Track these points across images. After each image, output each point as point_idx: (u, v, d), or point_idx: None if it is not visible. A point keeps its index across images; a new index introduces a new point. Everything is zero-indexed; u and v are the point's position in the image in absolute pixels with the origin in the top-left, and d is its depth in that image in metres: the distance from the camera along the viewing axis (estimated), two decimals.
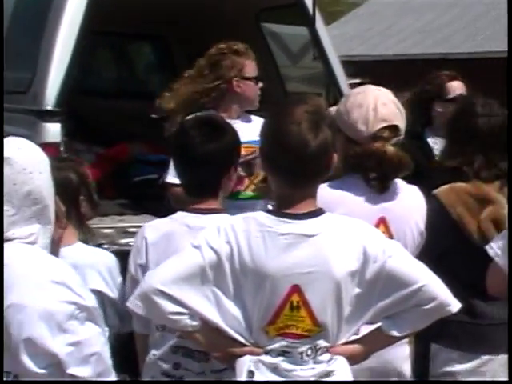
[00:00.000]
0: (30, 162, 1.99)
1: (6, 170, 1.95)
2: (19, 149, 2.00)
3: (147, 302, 2.09)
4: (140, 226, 2.69)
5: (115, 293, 2.64)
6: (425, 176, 3.76)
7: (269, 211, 2.14)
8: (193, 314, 2.09)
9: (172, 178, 3.43)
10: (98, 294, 2.47)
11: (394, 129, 2.56)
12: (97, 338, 1.98)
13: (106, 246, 3.96)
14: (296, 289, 2.07)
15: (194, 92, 3.56)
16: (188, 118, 2.61)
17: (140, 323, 2.50)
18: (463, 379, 2.81)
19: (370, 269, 2.09)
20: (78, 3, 4.16)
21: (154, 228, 2.55)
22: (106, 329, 2.17)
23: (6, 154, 1.96)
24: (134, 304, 2.11)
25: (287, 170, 2.10)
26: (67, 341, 1.91)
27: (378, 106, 2.54)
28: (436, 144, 4.01)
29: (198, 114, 3.33)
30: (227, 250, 2.08)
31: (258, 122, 3.57)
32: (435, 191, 2.86)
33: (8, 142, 2.03)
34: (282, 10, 5.78)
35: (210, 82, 3.58)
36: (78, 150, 4.91)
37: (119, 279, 2.64)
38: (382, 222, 2.53)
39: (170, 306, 2.07)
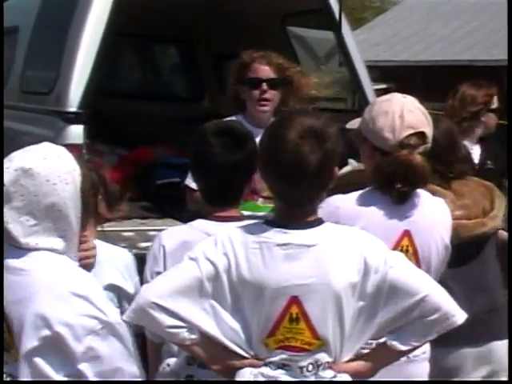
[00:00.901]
0: (54, 173, 1.96)
1: (27, 181, 1.93)
2: (44, 159, 1.98)
3: (144, 316, 2.04)
4: (161, 230, 2.65)
5: (132, 288, 2.59)
6: None
7: (266, 222, 2.10)
8: (191, 326, 2.05)
9: (191, 181, 3.40)
10: (115, 288, 2.42)
11: (421, 136, 2.51)
12: (119, 354, 1.96)
13: None
14: (295, 300, 2.02)
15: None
16: (206, 124, 2.55)
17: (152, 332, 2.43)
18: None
19: (371, 280, 2.04)
20: (103, 4, 4.15)
21: (172, 235, 2.51)
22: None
23: (27, 164, 1.94)
24: (130, 317, 2.06)
25: (282, 188, 2.06)
26: (86, 354, 1.90)
27: (404, 113, 2.49)
28: (472, 150, 3.99)
29: (227, 119, 3.31)
30: (224, 262, 2.03)
31: None
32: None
33: (35, 150, 2.01)
34: (309, 14, 5.74)
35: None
36: (101, 152, 4.90)
37: (136, 277, 2.60)
38: (406, 235, 2.48)
39: (167, 320, 2.02)
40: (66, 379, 1.90)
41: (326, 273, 2.02)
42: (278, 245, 2.02)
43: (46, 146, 2.06)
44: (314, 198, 2.09)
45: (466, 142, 3.97)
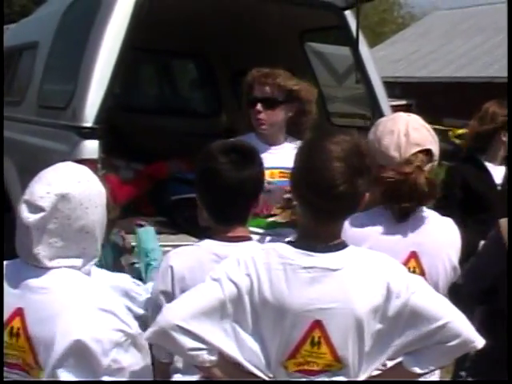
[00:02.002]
0: (87, 197, 1.99)
1: (63, 205, 1.95)
2: (79, 182, 2.00)
3: (166, 338, 2.01)
4: (176, 246, 2.63)
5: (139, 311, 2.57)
6: (489, 205, 3.69)
7: (291, 243, 2.06)
8: (211, 348, 2.02)
9: None
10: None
11: (427, 153, 2.49)
12: (139, 364, 2.00)
13: (137, 266, 3.93)
14: (317, 324, 1.99)
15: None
16: (213, 143, 2.54)
17: (162, 351, 2.36)
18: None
19: (392, 305, 2.01)
20: (121, 20, 4.16)
21: (180, 256, 2.47)
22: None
23: (65, 189, 1.96)
24: (150, 339, 2.03)
25: (314, 206, 2.03)
26: (110, 367, 1.92)
27: (409, 131, 2.48)
28: (495, 171, 3.93)
29: (240, 137, 3.29)
30: (247, 283, 2.00)
31: (288, 146, 3.49)
32: (502, 219, 2.82)
33: (67, 172, 2.03)
34: (327, 31, 5.74)
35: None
36: (117, 167, 4.92)
37: (142, 296, 2.58)
38: (412, 257, 2.45)
39: (188, 342, 2.00)
40: None
41: (350, 297, 2.00)
42: (303, 268, 2.00)
43: (73, 166, 2.09)
44: (343, 215, 2.08)
45: (488, 163, 3.92)
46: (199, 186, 2.52)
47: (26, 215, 1.94)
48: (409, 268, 2.43)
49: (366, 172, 2.03)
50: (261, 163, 2.50)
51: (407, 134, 2.46)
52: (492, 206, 3.64)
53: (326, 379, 2.02)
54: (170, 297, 2.35)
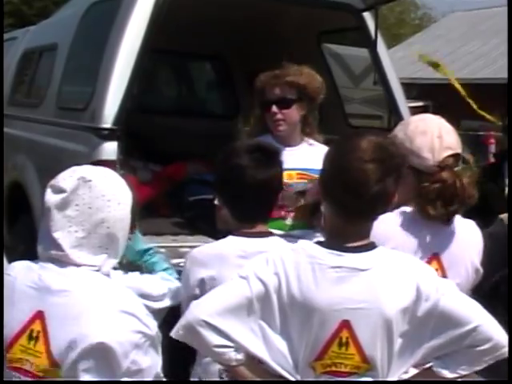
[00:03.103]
0: (110, 190, 2.00)
1: (85, 191, 1.97)
2: (104, 177, 2.03)
3: (192, 333, 2.02)
4: (193, 247, 2.64)
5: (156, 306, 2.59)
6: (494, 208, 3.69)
7: (319, 242, 2.07)
8: (238, 347, 2.02)
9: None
10: None
11: (457, 158, 2.50)
12: (157, 365, 2.00)
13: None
14: (346, 324, 1.99)
15: (248, 130, 3.58)
16: (237, 142, 2.57)
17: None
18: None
19: (421, 307, 2.01)
20: (140, 22, 4.18)
21: (203, 254, 2.51)
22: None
23: (88, 175, 1.98)
24: (178, 335, 2.05)
25: (345, 205, 2.03)
26: (129, 369, 1.93)
27: (442, 134, 2.48)
28: None
29: (256, 138, 3.30)
30: (275, 282, 2.00)
31: (306, 147, 3.50)
32: (502, 215, 2.84)
33: (92, 167, 2.06)
34: (345, 32, 5.73)
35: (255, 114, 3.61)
36: (135, 168, 4.94)
37: (156, 291, 2.59)
38: (435, 259, 2.44)
39: (215, 339, 2.00)
40: None
41: (378, 298, 1.99)
42: (332, 267, 2.00)
43: (101, 167, 2.11)
44: (373, 215, 2.08)
45: None
46: (222, 184, 2.54)
47: (49, 197, 1.97)
48: None
49: (396, 172, 2.03)
50: (281, 164, 2.55)
51: (440, 136, 2.47)
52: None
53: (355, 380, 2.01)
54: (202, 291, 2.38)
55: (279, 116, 3.44)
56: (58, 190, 1.96)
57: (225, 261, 2.41)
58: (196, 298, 2.37)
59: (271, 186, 2.47)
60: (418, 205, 2.44)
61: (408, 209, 2.47)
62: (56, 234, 1.95)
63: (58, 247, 1.96)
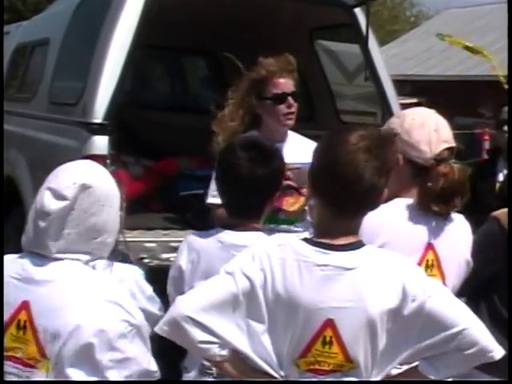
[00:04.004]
0: (104, 195, 2.02)
1: (83, 197, 1.98)
2: (100, 179, 2.04)
3: (176, 329, 2.01)
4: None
5: (143, 304, 2.60)
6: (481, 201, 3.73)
7: (306, 240, 2.05)
8: (223, 343, 2.01)
9: (212, 198, 3.41)
10: None
11: (452, 151, 2.52)
12: (144, 355, 2.01)
13: (146, 261, 3.95)
14: (330, 323, 1.97)
15: (235, 125, 3.52)
16: (236, 139, 2.58)
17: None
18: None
19: (407, 307, 1.99)
20: (131, 17, 4.18)
21: (191, 240, 2.57)
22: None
23: (89, 182, 1.99)
24: (162, 330, 2.03)
25: (335, 199, 2.02)
26: (115, 358, 1.94)
27: (439, 128, 2.51)
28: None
29: (245, 135, 3.30)
30: (261, 278, 1.99)
31: (293, 141, 3.51)
32: (495, 213, 2.86)
33: (91, 168, 2.06)
34: (337, 29, 5.74)
35: (239, 109, 3.52)
36: (126, 163, 4.94)
37: (148, 291, 2.61)
38: (430, 249, 2.46)
39: (199, 335, 1.99)
40: None
41: (363, 297, 1.98)
42: (318, 265, 1.98)
43: (96, 164, 2.12)
44: (364, 210, 2.06)
45: None
46: (218, 178, 2.61)
47: (49, 203, 1.96)
48: (427, 260, 2.45)
49: (385, 164, 2.03)
50: (281, 161, 2.53)
51: (437, 129, 2.49)
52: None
53: (335, 379, 2.00)
54: (182, 274, 2.48)
55: (294, 109, 3.45)
56: (61, 197, 1.96)
57: (205, 253, 2.47)
58: (177, 282, 2.51)
59: (260, 185, 2.46)
60: (422, 201, 2.45)
61: (404, 200, 2.49)
62: (47, 236, 1.96)
63: (45, 247, 1.98)
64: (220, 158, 2.59)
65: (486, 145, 12.75)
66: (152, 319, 2.57)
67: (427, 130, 2.49)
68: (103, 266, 2.18)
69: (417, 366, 2.08)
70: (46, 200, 1.97)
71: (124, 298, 2.00)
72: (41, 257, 1.99)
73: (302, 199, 3.37)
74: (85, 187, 1.98)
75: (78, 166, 2.06)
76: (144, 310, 2.46)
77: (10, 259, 2.06)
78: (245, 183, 2.44)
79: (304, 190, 3.30)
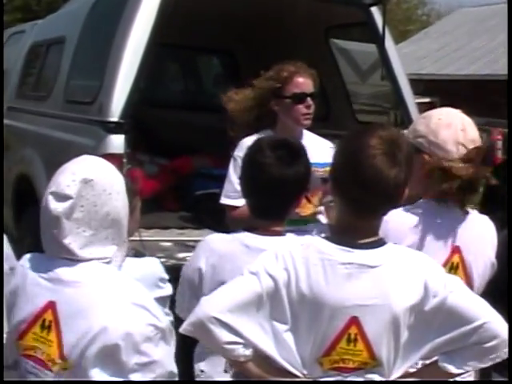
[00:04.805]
0: (109, 183, 2.01)
1: (88, 191, 1.96)
2: (99, 170, 2.03)
3: (202, 330, 2.01)
4: (199, 241, 2.64)
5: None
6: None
7: (329, 238, 2.06)
8: (247, 343, 2.01)
9: (227, 199, 3.39)
10: None
11: (478, 151, 2.50)
12: (168, 358, 2.01)
13: (163, 260, 3.94)
14: (354, 321, 1.98)
15: (252, 116, 3.53)
16: (263, 137, 2.54)
17: None
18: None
19: (429, 303, 2.01)
20: (147, 16, 4.18)
21: (213, 243, 2.50)
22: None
23: (89, 175, 1.98)
24: (187, 331, 2.04)
25: (356, 200, 2.03)
26: (140, 361, 1.94)
27: (466, 127, 2.49)
28: None
29: (272, 135, 3.29)
30: (285, 278, 2.00)
31: (309, 140, 3.50)
32: None
33: (86, 162, 2.05)
34: (352, 27, 5.72)
35: (257, 106, 3.54)
36: (142, 162, 4.94)
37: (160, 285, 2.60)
38: (457, 252, 2.45)
39: (225, 335, 1.99)
40: None
41: (388, 295, 1.99)
42: (342, 263, 1.99)
43: (91, 156, 2.10)
44: (385, 210, 2.07)
45: None
46: (244, 177, 2.53)
47: (54, 206, 1.95)
48: (452, 263, 2.45)
49: (406, 165, 2.03)
50: (308, 163, 2.49)
51: (464, 129, 2.48)
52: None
53: (362, 379, 2.01)
54: (201, 277, 2.41)
55: (312, 109, 3.47)
56: (63, 198, 1.95)
57: (230, 257, 2.40)
58: (193, 284, 2.44)
59: (288, 186, 2.41)
60: (442, 197, 2.44)
61: (428, 201, 2.47)
62: (66, 240, 1.95)
63: (69, 252, 1.97)
64: (247, 157, 2.52)
65: (499, 144, 12.70)
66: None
67: (454, 130, 2.47)
68: (126, 264, 2.17)
69: (436, 360, 2.09)
70: (52, 205, 1.95)
71: (150, 302, 1.99)
72: (69, 260, 1.99)
73: (311, 205, 3.34)
74: (86, 181, 1.96)
75: (73, 164, 2.04)
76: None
77: (38, 258, 2.05)
78: (274, 184, 2.38)
79: (313, 197, 3.29)
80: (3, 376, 1.99)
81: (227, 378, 2.41)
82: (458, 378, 2.16)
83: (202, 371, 2.51)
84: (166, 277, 2.54)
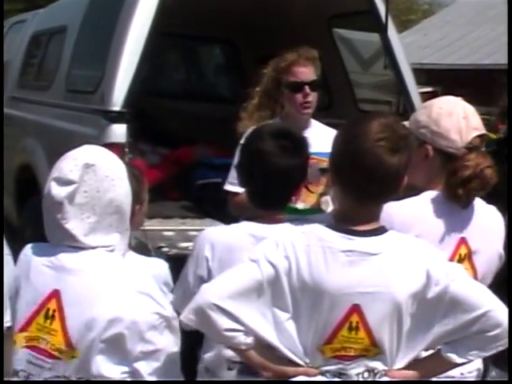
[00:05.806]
0: (111, 169, 2.01)
1: (90, 176, 1.97)
2: (101, 156, 2.03)
3: (202, 317, 2.00)
4: (201, 230, 2.63)
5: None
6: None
7: (330, 226, 2.05)
8: (248, 330, 2.01)
9: (231, 186, 3.38)
10: None
11: (483, 138, 2.48)
12: (173, 346, 2.02)
13: (165, 249, 3.95)
14: (356, 309, 1.98)
15: (263, 114, 3.53)
16: (263, 125, 2.50)
17: None
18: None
19: (431, 291, 2.00)
20: (149, 5, 4.17)
21: (216, 235, 2.45)
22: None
23: (91, 160, 1.98)
24: (187, 318, 2.02)
25: (357, 187, 2.02)
26: (145, 350, 1.95)
27: (468, 115, 2.46)
28: None
29: (272, 122, 3.28)
30: (285, 265, 1.99)
31: (315, 130, 3.49)
32: None
33: (88, 149, 2.05)
34: (355, 16, 5.70)
35: (267, 98, 3.55)
36: (144, 151, 4.94)
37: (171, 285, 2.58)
38: (463, 243, 2.43)
39: (225, 322, 1.98)
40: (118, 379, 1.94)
41: (389, 282, 1.99)
42: (342, 251, 1.99)
43: (91, 145, 2.10)
44: (385, 197, 2.07)
45: None
46: (244, 166, 2.49)
47: (57, 191, 1.95)
48: (459, 254, 2.43)
49: (406, 152, 2.03)
50: (308, 152, 2.47)
51: (466, 117, 2.45)
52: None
53: (365, 368, 2.01)
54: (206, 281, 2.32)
55: (310, 98, 3.46)
56: (66, 182, 1.95)
57: (236, 247, 2.36)
58: (202, 276, 2.36)
59: (293, 174, 2.40)
60: (449, 190, 2.42)
61: (434, 193, 2.45)
62: (69, 225, 1.95)
63: (73, 238, 1.96)
64: (248, 146, 2.49)
65: (501, 133, 12.68)
66: None
67: (456, 118, 2.45)
68: (135, 260, 2.18)
69: (439, 350, 2.09)
70: (54, 190, 1.95)
71: (155, 290, 2.00)
72: (73, 247, 1.98)
73: (313, 195, 3.34)
74: (88, 166, 1.96)
75: (76, 151, 2.05)
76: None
77: (41, 247, 2.05)
78: (277, 173, 2.36)
79: (318, 186, 3.29)
80: (3, 376, 1.98)
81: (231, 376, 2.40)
82: (464, 372, 2.14)
83: (205, 369, 2.48)
84: (171, 284, 2.53)
